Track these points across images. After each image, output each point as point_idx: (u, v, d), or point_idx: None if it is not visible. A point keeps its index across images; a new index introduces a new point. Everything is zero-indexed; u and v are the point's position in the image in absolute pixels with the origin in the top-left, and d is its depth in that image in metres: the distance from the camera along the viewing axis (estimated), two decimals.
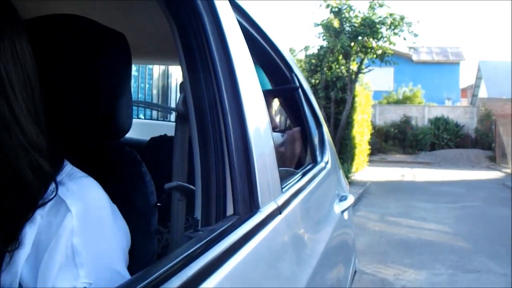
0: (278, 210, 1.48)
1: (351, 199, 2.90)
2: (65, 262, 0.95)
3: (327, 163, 2.78)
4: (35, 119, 1.00)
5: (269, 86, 2.44)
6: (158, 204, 1.33)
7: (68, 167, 1.08)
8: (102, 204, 1.05)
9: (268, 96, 2.23)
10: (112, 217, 1.06)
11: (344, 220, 2.77)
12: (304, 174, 2.24)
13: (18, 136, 0.96)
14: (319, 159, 2.72)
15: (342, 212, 2.70)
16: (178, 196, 1.31)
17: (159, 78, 9.88)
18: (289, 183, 1.91)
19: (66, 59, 1.20)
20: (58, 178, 1.03)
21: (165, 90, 10.14)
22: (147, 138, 2.06)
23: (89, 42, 1.26)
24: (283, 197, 1.59)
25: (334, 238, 2.39)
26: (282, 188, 1.64)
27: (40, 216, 0.98)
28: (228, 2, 1.48)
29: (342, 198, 2.84)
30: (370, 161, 19.12)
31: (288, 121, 3.32)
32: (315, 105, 3.08)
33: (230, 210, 1.23)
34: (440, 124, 27.75)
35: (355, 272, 3.21)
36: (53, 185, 1.01)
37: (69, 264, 0.95)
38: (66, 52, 1.21)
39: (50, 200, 0.99)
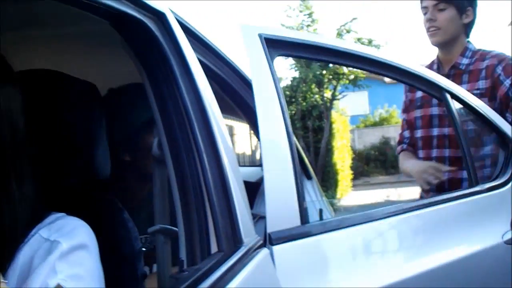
0: (263, 243, 1.48)
1: None
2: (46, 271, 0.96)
3: None
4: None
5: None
6: (143, 249, 1.34)
7: (58, 214, 1.09)
8: (92, 241, 1.06)
9: None
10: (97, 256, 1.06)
11: None
12: None
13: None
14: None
15: None
16: (162, 238, 1.32)
17: None
18: None
19: (42, 111, 1.21)
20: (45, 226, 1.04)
21: None
22: None
23: (60, 94, 1.27)
24: None
25: None
26: None
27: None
28: (189, 44, 1.50)
29: None
30: (354, 185, 19.01)
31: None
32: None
33: (214, 248, 1.24)
34: None
35: None
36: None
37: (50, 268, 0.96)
38: (41, 105, 1.22)
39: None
